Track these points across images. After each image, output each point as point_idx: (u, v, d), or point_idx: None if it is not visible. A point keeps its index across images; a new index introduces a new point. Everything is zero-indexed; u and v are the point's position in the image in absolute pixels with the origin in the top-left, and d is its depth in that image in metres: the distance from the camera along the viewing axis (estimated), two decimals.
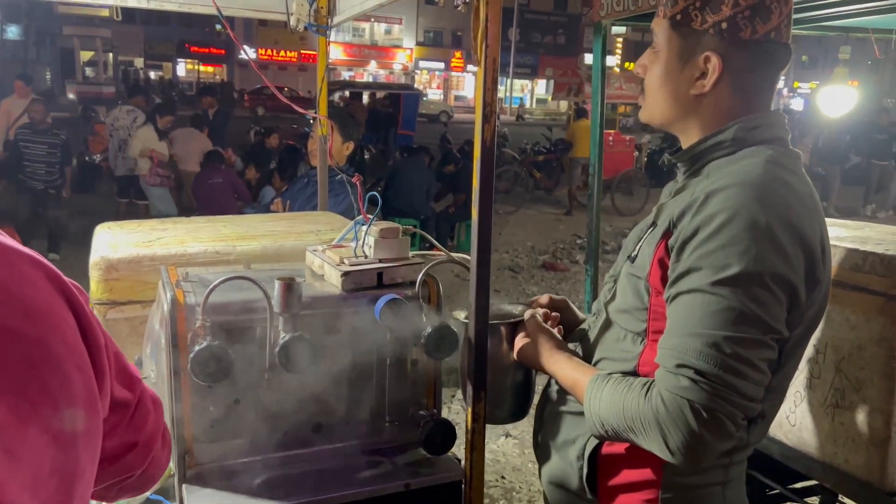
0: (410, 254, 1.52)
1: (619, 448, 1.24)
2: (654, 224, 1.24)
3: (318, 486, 1.35)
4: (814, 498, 2.64)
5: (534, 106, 43.70)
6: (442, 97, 42.10)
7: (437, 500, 1.41)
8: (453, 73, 44.50)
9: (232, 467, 1.36)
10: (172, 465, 1.37)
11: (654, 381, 1.11)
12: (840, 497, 2.44)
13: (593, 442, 1.26)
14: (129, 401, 0.83)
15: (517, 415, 1.49)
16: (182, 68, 40.74)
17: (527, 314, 1.44)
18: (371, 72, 42.38)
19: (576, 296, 7.29)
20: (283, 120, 14.73)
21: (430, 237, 1.69)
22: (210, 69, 40.86)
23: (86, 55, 32.50)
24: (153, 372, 1.40)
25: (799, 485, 2.48)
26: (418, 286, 1.43)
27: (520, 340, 1.41)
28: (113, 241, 1.70)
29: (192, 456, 1.34)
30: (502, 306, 1.54)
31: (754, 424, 1.12)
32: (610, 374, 1.21)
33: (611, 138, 12.62)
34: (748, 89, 1.19)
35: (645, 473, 1.22)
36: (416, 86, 32.08)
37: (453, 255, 1.58)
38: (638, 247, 1.25)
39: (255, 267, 1.56)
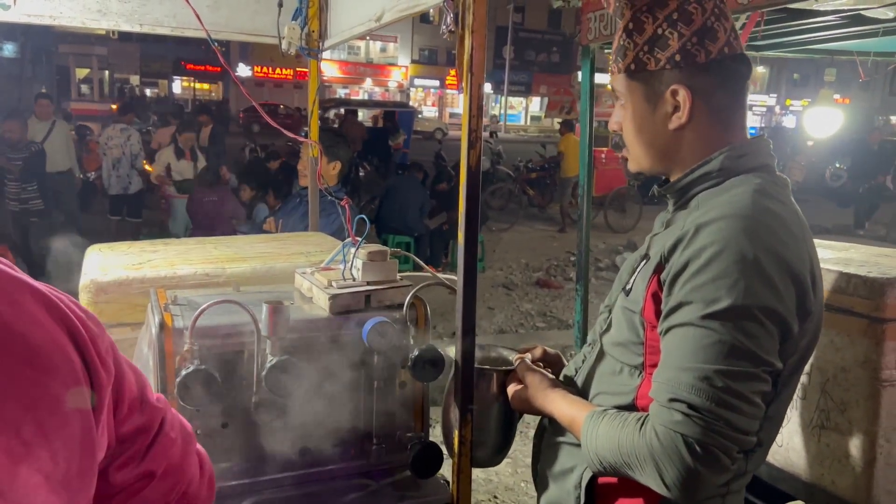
0: (399, 276, 1.53)
1: (614, 477, 1.24)
2: (646, 256, 1.25)
3: None
4: None
5: (528, 123, 43.95)
6: (437, 114, 42.29)
7: None
8: (448, 91, 44.74)
9: (219, 491, 1.35)
10: None
11: (648, 415, 1.12)
12: None
13: (590, 472, 1.26)
14: (144, 429, 0.81)
15: (497, 456, 1.50)
16: (178, 86, 40.87)
17: (516, 360, 1.45)
18: (366, 89, 42.59)
19: (569, 313, 7.29)
20: (278, 137, 14.79)
21: (418, 259, 1.71)
22: (206, 87, 41.00)
23: (81, 72, 32.60)
24: None
25: None
26: (405, 308, 1.44)
27: (512, 388, 1.41)
28: (103, 263, 1.71)
29: None
30: (497, 349, 1.55)
31: (752, 452, 1.13)
32: (606, 409, 1.21)
33: (603, 156, 12.66)
34: (722, 108, 1.21)
35: (640, 503, 1.23)
36: (411, 103, 32.22)
37: (441, 276, 1.59)
38: (632, 280, 1.25)
39: (244, 289, 1.57)
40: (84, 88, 32.62)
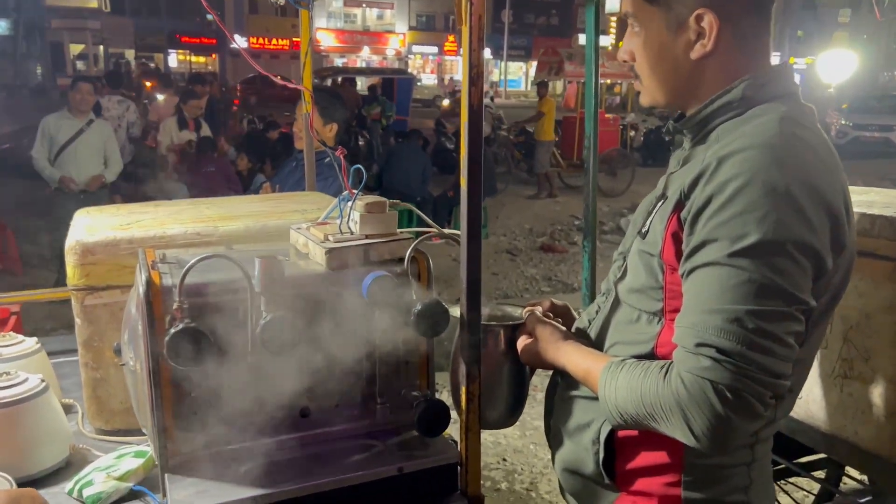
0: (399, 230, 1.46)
1: (636, 430, 1.18)
2: (664, 196, 1.17)
3: (307, 472, 1.29)
4: (820, 472, 2.60)
5: (528, 88, 43.44)
6: (436, 82, 41.85)
7: (433, 484, 1.36)
8: (447, 58, 44.22)
9: (217, 455, 1.30)
10: (154, 454, 1.31)
11: (672, 363, 1.05)
12: (846, 471, 2.41)
13: (609, 425, 1.20)
14: None
15: (509, 418, 1.43)
16: (174, 59, 40.44)
17: (525, 312, 1.38)
18: (364, 58, 42.10)
19: (574, 276, 7.24)
20: (276, 109, 14.63)
21: (419, 212, 1.62)
22: (202, 59, 40.58)
23: (76, 48, 32.22)
24: (132, 359, 1.34)
25: (804, 459, 2.44)
26: (407, 262, 1.37)
27: (522, 341, 1.35)
28: (90, 224, 1.63)
29: (175, 444, 1.28)
30: (503, 308, 1.48)
31: (781, 399, 1.06)
32: (624, 360, 1.14)
33: None
34: (748, 35, 1.12)
35: (665, 456, 1.17)
36: (409, 71, 31.85)
37: (444, 230, 1.51)
38: (649, 221, 1.17)
39: (237, 248, 1.49)
40: (79, 64, 32.27)
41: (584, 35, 2.76)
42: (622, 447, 1.22)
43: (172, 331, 1.15)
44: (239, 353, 1.24)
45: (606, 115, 14.02)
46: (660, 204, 1.17)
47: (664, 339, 1.14)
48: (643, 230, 1.19)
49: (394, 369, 1.41)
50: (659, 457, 1.18)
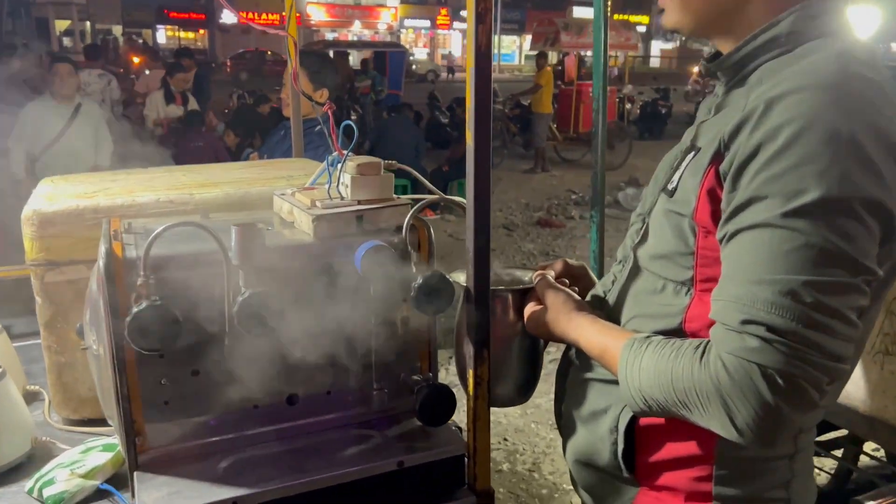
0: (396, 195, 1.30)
1: (660, 417, 1.03)
2: (694, 148, 1.01)
3: (294, 468, 1.14)
4: (838, 451, 2.48)
5: (523, 62, 42.95)
6: (428, 56, 41.34)
7: (437, 478, 1.21)
8: (439, 32, 43.64)
9: (192, 450, 1.15)
10: (122, 450, 1.16)
11: (709, 342, 0.89)
12: (864, 449, 2.29)
13: (629, 411, 1.04)
14: None
15: (521, 396, 1.27)
16: (162, 35, 39.79)
17: (535, 277, 1.22)
18: (355, 32, 41.50)
19: (572, 251, 7.11)
20: (266, 85, 14.34)
21: (418, 175, 1.46)
22: (191, 35, 39.95)
23: (62, 25, 31.58)
24: (95, 342, 1.18)
25: (823, 437, 2.32)
26: (405, 231, 1.21)
27: (529, 308, 1.19)
28: (52, 192, 1.47)
29: (144, 439, 1.13)
30: (511, 271, 1.32)
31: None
32: (649, 336, 0.98)
33: (591, 90, 12.19)
34: None
35: (695, 446, 1.02)
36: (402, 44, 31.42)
37: (447, 196, 1.36)
38: (677, 176, 1.01)
39: (215, 217, 1.33)
40: (66, 41, 31.66)
41: (578, 7, 2.59)
42: (644, 436, 1.07)
43: (135, 310, 0.99)
44: (215, 334, 1.09)
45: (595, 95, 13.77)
46: (690, 156, 1.00)
47: (694, 313, 0.99)
48: (670, 186, 1.02)
49: (391, 351, 1.25)
50: (687, 447, 1.03)
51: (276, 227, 1.28)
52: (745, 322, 0.84)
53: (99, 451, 1.28)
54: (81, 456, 1.26)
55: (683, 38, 41.12)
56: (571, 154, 12.28)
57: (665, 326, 1.02)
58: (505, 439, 3.69)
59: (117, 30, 36.93)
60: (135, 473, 1.11)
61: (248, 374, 1.12)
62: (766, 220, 0.84)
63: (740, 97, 0.96)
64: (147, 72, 9.46)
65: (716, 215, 0.93)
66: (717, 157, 0.92)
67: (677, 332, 1.00)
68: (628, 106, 14.09)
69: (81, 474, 1.22)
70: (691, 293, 1.00)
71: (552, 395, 1.28)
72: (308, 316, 1.11)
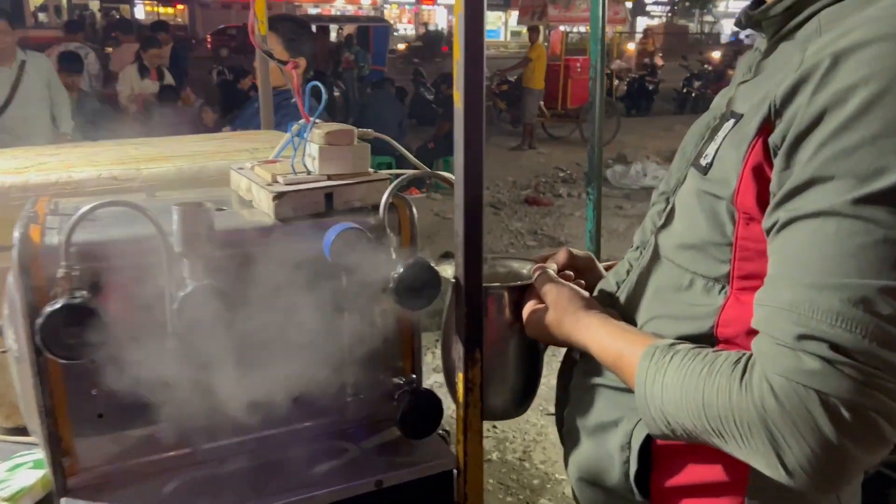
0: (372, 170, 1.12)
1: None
2: (734, 115, 0.83)
3: (254, 489, 0.97)
4: None
5: (508, 39, 42.48)
6: (413, 32, 40.79)
7: (421, 497, 1.05)
8: (424, 7, 43.05)
9: (132, 470, 0.98)
10: (47, 472, 0.99)
11: (750, 356, 0.72)
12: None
13: (645, 427, 0.88)
14: None
15: (518, 407, 1.11)
16: (141, 10, 38.95)
17: (534, 270, 1.05)
18: (339, 7, 40.85)
19: (560, 230, 6.96)
20: (247, 61, 14.00)
21: (401, 148, 1.28)
22: (170, 10, 39.17)
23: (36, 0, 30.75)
24: (15, 343, 1.00)
25: None
26: (383, 211, 1.03)
27: (528, 308, 1.02)
28: None
29: (75, 458, 0.96)
30: (507, 262, 1.15)
31: None
32: (674, 344, 0.81)
33: (578, 65, 11.95)
34: None
35: (721, 472, 0.85)
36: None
37: (432, 171, 1.18)
38: (713, 149, 0.83)
39: (162, 195, 1.15)
40: (41, 17, 30.85)
41: None
42: (661, 456, 0.91)
43: (48, 309, 0.81)
44: (155, 336, 0.91)
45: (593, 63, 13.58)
46: (729, 125, 0.82)
47: (729, 316, 0.82)
48: (703, 162, 0.85)
49: (368, 351, 1.08)
50: (713, 472, 0.86)
51: (234, 206, 1.10)
52: (802, 337, 0.67)
53: (29, 467, 1.10)
54: (8, 475, 1.09)
55: (670, 14, 40.82)
56: (559, 131, 12.09)
57: (692, 331, 0.85)
58: (494, 426, 3.55)
59: (94, 5, 36.12)
60: (62, 500, 0.94)
61: (198, 381, 0.94)
62: (831, 207, 0.67)
63: (792, 52, 0.77)
64: (120, 45, 9.12)
65: (762, 198, 0.75)
66: (766, 127, 0.74)
67: (707, 338, 0.83)
68: (616, 82, 13.89)
69: (6, 497, 1.04)
70: (726, 292, 0.83)
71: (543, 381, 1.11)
72: (266, 313, 0.93)
